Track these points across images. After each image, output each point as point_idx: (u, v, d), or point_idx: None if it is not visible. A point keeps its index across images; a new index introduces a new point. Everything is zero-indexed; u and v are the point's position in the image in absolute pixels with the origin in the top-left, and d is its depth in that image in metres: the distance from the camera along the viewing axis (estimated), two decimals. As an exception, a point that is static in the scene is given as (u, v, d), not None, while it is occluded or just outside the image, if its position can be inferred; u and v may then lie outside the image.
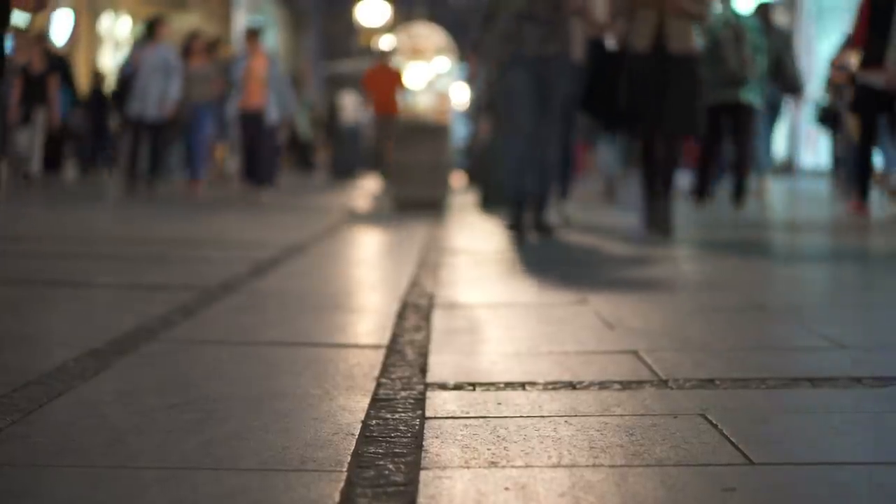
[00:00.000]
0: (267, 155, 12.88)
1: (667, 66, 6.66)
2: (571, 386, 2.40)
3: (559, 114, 6.68)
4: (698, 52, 6.78)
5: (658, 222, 6.65)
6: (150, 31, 13.27)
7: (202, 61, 13.75)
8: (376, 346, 2.89)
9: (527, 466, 1.79)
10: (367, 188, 16.11)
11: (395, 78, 15.76)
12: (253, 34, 13.39)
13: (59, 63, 13.95)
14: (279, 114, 12.92)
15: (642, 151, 6.94)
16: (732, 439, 1.93)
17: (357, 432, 1.98)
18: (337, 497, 1.65)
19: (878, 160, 10.24)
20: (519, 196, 6.63)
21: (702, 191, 10.34)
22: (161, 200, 11.35)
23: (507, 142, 6.80)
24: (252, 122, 12.78)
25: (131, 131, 13.04)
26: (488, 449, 1.89)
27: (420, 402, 2.25)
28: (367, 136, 14.98)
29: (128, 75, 13.19)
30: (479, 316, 3.51)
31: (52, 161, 14.36)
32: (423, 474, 1.75)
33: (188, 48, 13.68)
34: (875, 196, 9.60)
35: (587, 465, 1.80)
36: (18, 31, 13.55)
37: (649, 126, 6.74)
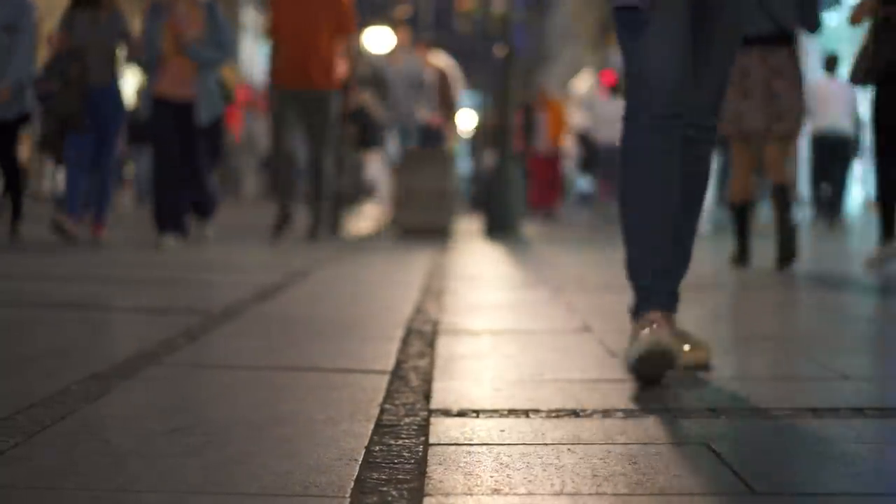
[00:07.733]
0: (198, 170, 8.01)
1: None
2: (575, 414, 2.40)
3: (725, 75, 2.96)
4: None
5: None
6: None
7: (109, 15, 8.03)
8: (380, 372, 2.89)
9: (529, 494, 1.79)
10: (371, 214, 16.10)
11: (326, 14, 8.79)
12: None
13: None
14: (209, 113, 7.88)
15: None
16: (735, 469, 1.93)
17: (360, 458, 1.98)
18: (339, 523, 1.64)
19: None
20: (657, 288, 2.81)
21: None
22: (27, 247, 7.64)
23: (628, 147, 2.82)
24: (178, 118, 7.88)
25: None
26: (491, 476, 1.88)
27: (423, 428, 2.25)
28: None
29: None
30: (483, 343, 3.51)
31: None
32: (426, 501, 1.74)
33: None
34: None
35: (590, 494, 1.79)
36: None
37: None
